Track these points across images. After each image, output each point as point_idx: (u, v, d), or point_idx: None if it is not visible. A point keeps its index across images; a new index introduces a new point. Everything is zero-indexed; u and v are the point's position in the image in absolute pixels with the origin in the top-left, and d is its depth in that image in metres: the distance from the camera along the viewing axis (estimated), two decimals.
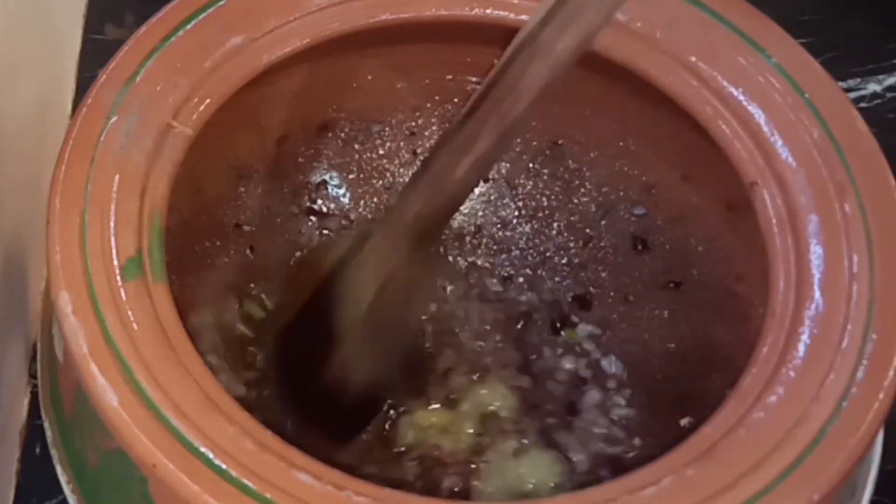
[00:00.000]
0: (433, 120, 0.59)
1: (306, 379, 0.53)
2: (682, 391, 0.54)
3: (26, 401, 0.59)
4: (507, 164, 0.60)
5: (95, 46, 0.71)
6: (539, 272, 0.59)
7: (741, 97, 0.51)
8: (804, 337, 0.45)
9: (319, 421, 0.53)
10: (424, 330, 0.57)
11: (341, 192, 0.60)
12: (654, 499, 0.42)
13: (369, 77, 0.57)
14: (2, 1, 0.57)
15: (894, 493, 0.56)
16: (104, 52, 0.51)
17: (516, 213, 0.60)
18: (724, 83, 0.51)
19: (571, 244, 0.59)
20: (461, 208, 0.60)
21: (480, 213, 0.60)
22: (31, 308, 0.60)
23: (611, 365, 0.56)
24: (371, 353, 0.52)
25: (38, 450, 0.58)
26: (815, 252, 0.47)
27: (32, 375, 0.59)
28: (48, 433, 0.50)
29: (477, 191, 0.60)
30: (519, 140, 0.59)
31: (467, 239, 0.60)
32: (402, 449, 0.54)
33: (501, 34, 0.54)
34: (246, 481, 0.41)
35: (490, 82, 0.47)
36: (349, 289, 0.51)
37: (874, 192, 0.48)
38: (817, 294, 0.46)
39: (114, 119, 0.48)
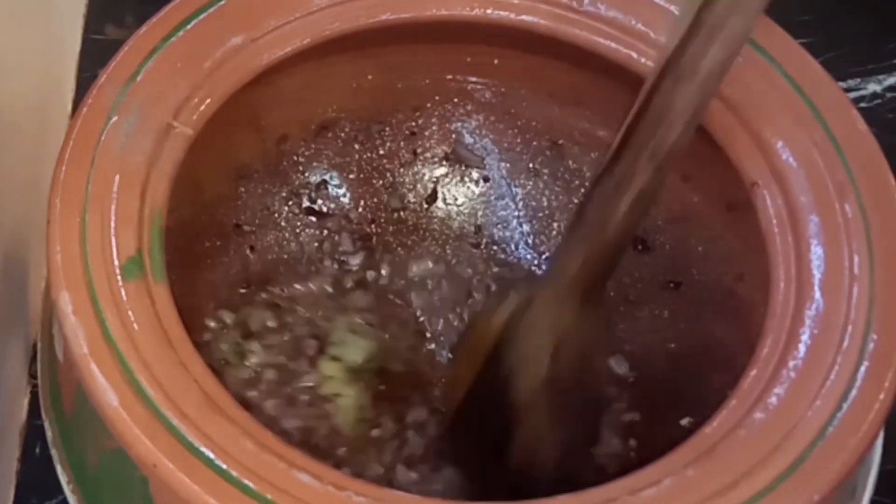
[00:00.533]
0: (433, 120, 0.59)
1: (492, 459, 0.50)
2: (683, 391, 0.54)
3: (26, 401, 0.59)
4: (508, 165, 0.60)
5: (95, 46, 0.71)
6: (539, 272, 0.59)
7: (741, 98, 0.51)
8: (805, 337, 0.45)
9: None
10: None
11: (341, 192, 0.60)
12: (654, 499, 0.42)
13: (369, 77, 0.57)
14: (2, 1, 0.57)
15: (894, 494, 0.56)
16: (104, 53, 0.51)
17: (516, 213, 0.60)
18: (724, 84, 0.51)
19: None
20: (461, 208, 0.60)
21: (480, 214, 0.60)
22: (31, 308, 0.60)
23: (618, 365, 0.57)
24: (557, 423, 0.50)
25: (38, 450, 0.58)
26: (816, 252, 0.47)
27: (32, 375, 0.59)
28: (48, 433, 0.50)
29: (477, 191, 0.60)
30: (519, 140, 0.59)
31: (467, 239, 0.60)
32: None
33: (502, 34, 0.54)
34: (246, 481, 0.41)
35: (637, 113, 0.45)
36: (523, 357, 0.48)
37: (875, 193, 0.48)
38: (818, 294, 0.46)
39: (114, 119, 0.48)
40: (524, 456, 0.50)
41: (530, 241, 0.60)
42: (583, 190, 0.59)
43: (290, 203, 0.59)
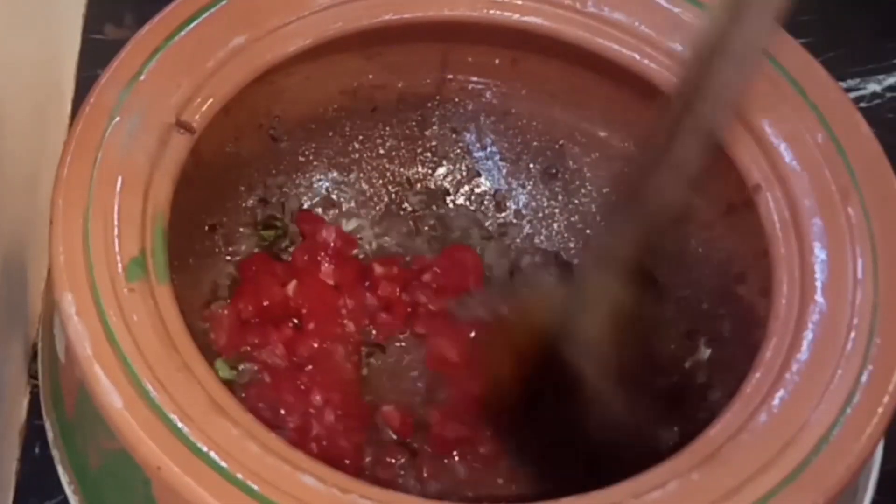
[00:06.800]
0: (434, 120, 0.59)
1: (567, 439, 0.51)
2: (684, 394, 0.54)
3: (26, 401, 0.59)
4: (508, 165, 0.60)
5: (95, 47, 0.71)
6: (539, 272, 0.59)
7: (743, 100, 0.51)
8: (808, 341, 0.45)
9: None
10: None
11: (341, 191, 0.59)
12: (658, 502, 0.42)
13: (370, 76, 0.57)
14: (1, 1, 0.57)
15: (895, 494, 0.56)
16: (103, 53, 0.51)
17: (516, 213, 0.60)
18: None
19: (572, 245, 0.59)
20: (462, 208, 0.60)
21: (481, 214, 0.60)
22: (30, 308, 0.60)
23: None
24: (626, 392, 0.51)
25: (37, 450, 0.58)
26: (819, 256, 0.47)
27: (32, 375, 0.59)
28: (49, 433, 0.50)
29: (477, 190, 0.60)
30: (520, 141, 0.59)
31: (468, 239, 0.60)
32: None
33: (504, 35, 0.54)
34: (251, 484, 0.41)
35: (679, 93, 0.46)
36: (587, 338, 0.49)
37: (878, 196, 0.48)
38: (821, 298, 0.46)
39: (117, 119, 0.48)
40: (602, 433, 0.50)
41: (531, 242, 0.60)
42: (584, 189, 0.59)
43: (291, 202, 0.59)
